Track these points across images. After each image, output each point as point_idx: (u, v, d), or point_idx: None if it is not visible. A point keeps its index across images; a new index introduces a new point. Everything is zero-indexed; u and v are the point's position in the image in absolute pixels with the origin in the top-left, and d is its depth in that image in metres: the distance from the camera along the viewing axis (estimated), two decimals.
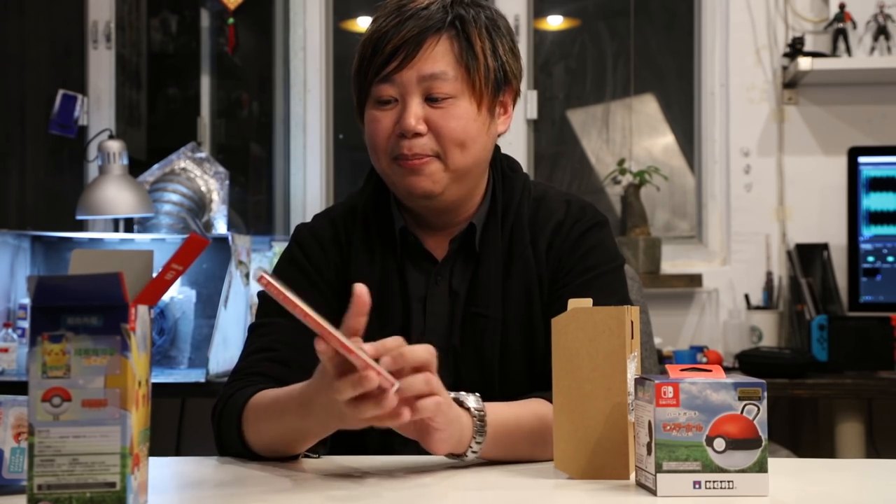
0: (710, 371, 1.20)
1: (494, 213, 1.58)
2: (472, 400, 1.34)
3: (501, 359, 1.54)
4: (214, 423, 1.49)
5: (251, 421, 1.42)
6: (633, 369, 1.29)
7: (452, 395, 1.33)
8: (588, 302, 1.30)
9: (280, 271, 1.63)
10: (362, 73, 1.53)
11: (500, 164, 1.63)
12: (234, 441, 1.44)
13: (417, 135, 1.50)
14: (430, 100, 1.50)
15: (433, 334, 1.55)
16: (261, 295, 1.62)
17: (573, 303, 1.30)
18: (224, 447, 1.47)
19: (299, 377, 1.38)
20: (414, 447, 1.38)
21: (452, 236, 1.60)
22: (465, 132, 1.51)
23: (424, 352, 1.21)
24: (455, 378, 1.55)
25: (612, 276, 1.58)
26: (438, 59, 1.50)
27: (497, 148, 1.63)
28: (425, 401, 1.20)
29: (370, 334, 1.44)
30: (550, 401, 1.34)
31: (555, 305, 1.52)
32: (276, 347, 1.53)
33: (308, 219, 1.73)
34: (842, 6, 3.32)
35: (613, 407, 1.25)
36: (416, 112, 1.49)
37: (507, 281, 1.55)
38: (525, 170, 1.69)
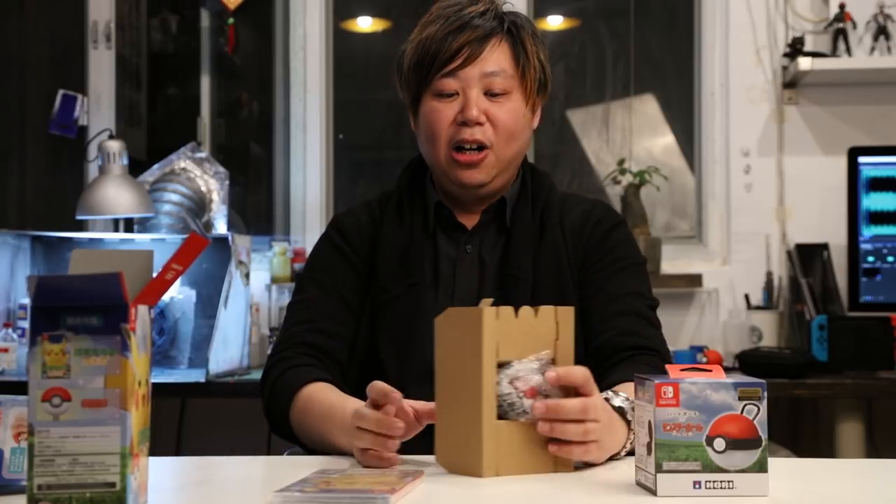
0: (710, 371, 1.20)
1: (525, 193, 1.75)
2: (619, 400, 1.38)
3: None
4: (265, 395, 1.66)
5: (297, 411, 1.57)
6: (527, 369, 1.28)
7: (602, 395, 1.36)
8: (488, 301, 1.30)
9: (317, 254, 1.79)
10: (424, 67, 1.68)
11: (530, 164, 1.81)
12: (282, 420, 1.61)
13: (478, 124, 1.66)
14: (489, 94, 1.67)
15: (463, 294, 1.69)
16: (297, 275, 1.76)
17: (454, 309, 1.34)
18: (272, 422, 1.64)
19: (336, 344, 1.68)
20: (424, 443, 1.39)
21: (484, 208, 1.75)
22: (516, 124, 1.69)
23: (582, 375, 1.28)
24: None
25: (640, 267, 1.75)
26: (499, 58, 1.68)
27: (525, 155, 1.79)
28: (574, 449, 1.28)
29: (398, 285, 1.68)
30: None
31: (588, 290, 1.69)
32: (316, 319, 1.70)
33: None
34: (842, 6, 3.32)
35: (472, 406, 1.27)
36: (478, 104, 1.66)
37: (538, 251, 1.69)
38: None
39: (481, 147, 1.67)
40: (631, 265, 1.72)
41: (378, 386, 1.34)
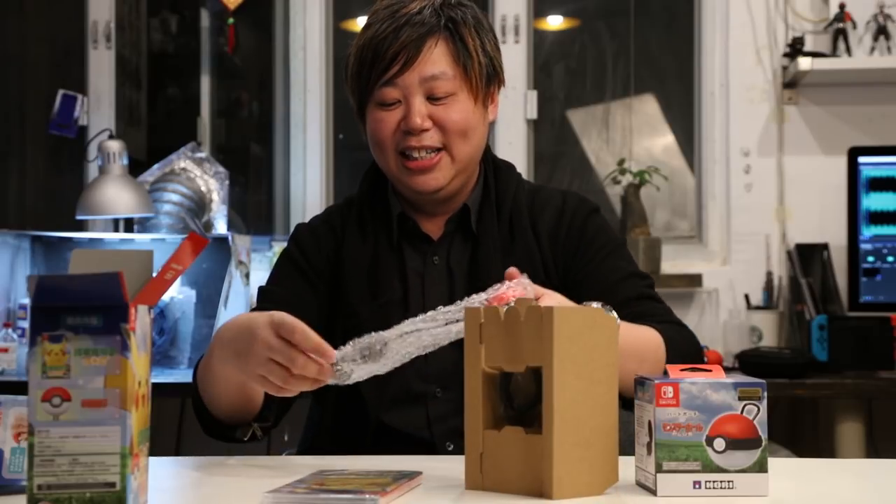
0: (710, 371, 1.20)
1: (488, 196, 1.68)
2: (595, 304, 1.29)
3: None
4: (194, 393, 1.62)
5: (201, 373, 1.55)
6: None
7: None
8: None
9: (277, 267, 1.75)
10: (363, 77, 1.61)
11: (492, 158, 1.73)
12: (198, 401, 1.58)
13: (423, 131, 1.59)
14: (432, 99, 1.60)
15: (433, 308, 1.54)
16: (259, 288, 1.73)
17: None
18: (197, 412, 1.62)
19: None
20: (405, 446, 1.39)
21: (448, 218, 1.69)
22: (467, 122, 1.61)
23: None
24: (457, 356, 1.55)
25: (624, 248, 1.72)
26: (438, 60, 1.59)
27: (487, 147, 1.72)
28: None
29: (365, 307, 1.61)
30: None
31: (583, 284, 1.62)
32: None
33: (308, 219, 1.82)
34: (842, 6, 3.32)
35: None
36: (420, 110, 1.59)
37: (509, 257, 1.61)
38: (525, 170, 1.78)
39: (435, 150, 1.60)
40: (615, 248, 1.68)
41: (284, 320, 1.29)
